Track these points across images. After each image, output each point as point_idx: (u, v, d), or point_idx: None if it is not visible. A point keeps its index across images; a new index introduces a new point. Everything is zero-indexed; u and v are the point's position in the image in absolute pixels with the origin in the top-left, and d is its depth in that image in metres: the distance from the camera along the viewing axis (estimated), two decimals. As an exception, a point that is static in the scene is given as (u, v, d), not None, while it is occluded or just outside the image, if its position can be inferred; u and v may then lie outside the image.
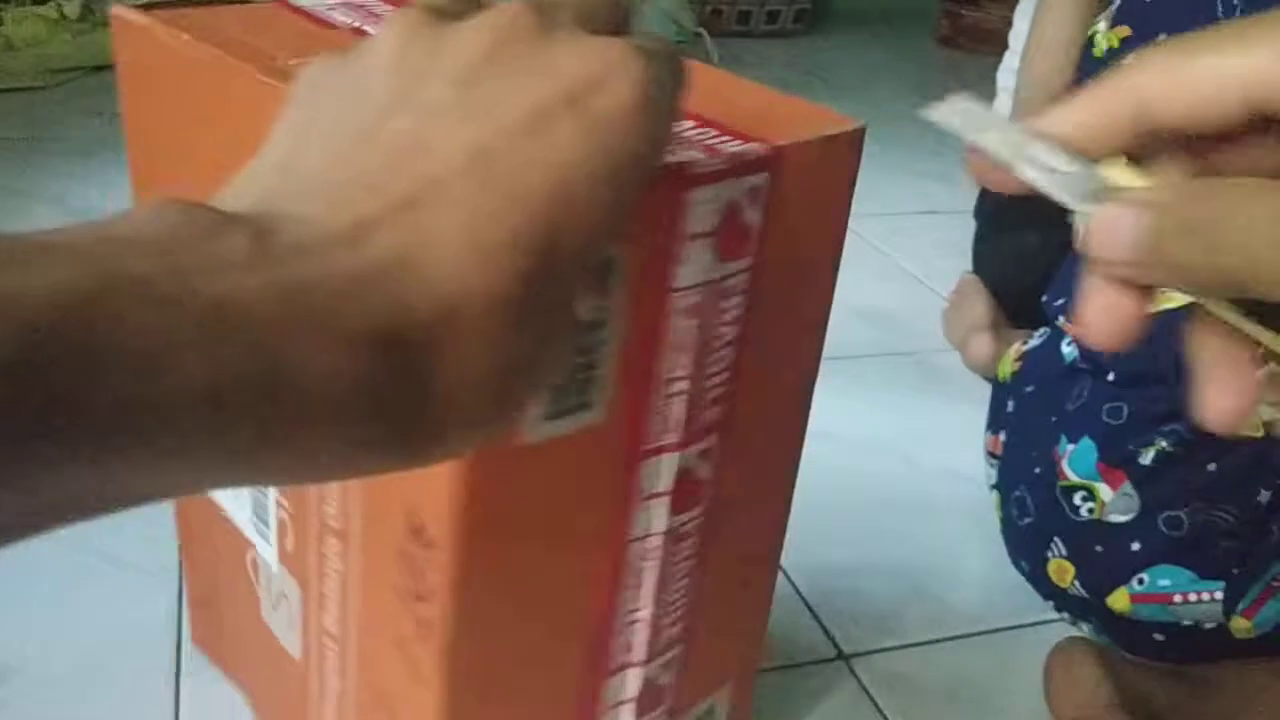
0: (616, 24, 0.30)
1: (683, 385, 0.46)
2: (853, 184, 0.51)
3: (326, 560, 0.53)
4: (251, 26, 0.51)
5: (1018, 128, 0.29)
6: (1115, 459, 0.84)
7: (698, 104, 0.47)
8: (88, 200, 1.41)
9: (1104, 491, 0.84)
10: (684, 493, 0.49)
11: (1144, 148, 0.28)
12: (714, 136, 0.45)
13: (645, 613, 0.51)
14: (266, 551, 0.59)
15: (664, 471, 0.48)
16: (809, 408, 0.55)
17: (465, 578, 0.44)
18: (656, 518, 0.49)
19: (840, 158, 0.49)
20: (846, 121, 0.49)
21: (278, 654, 0.63)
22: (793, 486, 0.58)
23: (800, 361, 0.54)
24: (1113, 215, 0.28)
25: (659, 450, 0.47)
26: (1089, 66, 0.93)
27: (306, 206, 0.24)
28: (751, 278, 0.47)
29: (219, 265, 0.21)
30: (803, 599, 0.89)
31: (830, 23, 2.76)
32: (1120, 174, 0.28)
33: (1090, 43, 0.91)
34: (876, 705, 0.81)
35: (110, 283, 0.19)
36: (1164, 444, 0.80)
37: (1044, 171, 0.28)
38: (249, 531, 0.60)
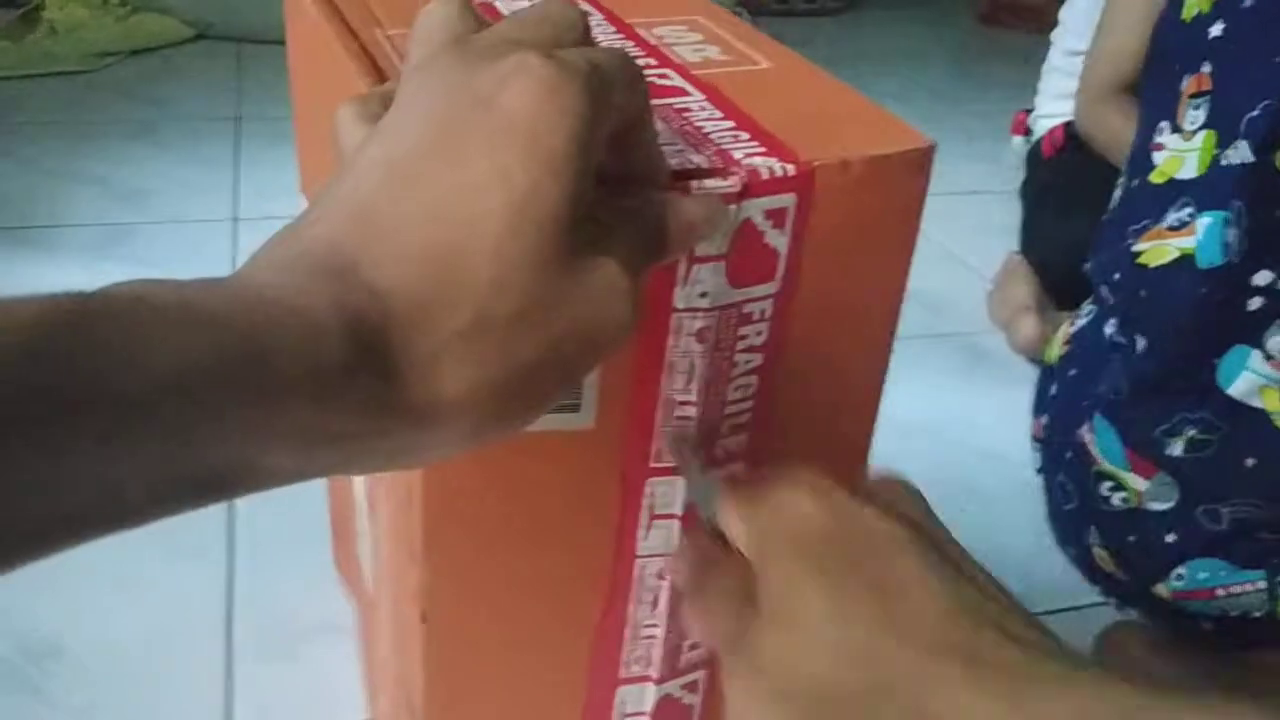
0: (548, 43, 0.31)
1: (690, 410, 0.44)
2: (918, 209, 0.44)
3: (379, 501, 0.53)
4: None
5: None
6: (1143, 447, 0.81)
7: (752, 101, 0.44)
8: (129, 183, 1.42)
9: (1135, 481, 0.82)
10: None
11: None
12: (744, 142, 0.40)
13: (660, 630, 0.50)
14: (359, 487, 0.61)
15: (674, 494, 0.46)
16: (870, 436, 0.50)
17: (434, 542, 0.43)
18: (668, 539, 0.47)
19: (899, 180, 0.43)
20: (915, 138, 0.43)
21: (362, 582, 0.67)
22: None
23: (856, 391, 0.49)
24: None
25: (668, 471, 0.45)
26: (1174, 32, 0.87)
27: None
28: (779, 305, 0.43)
29: (204, 285, 0.25)
30: (846, 583, 0.89)
31: (870, 0, 2.73)
32: None
33: (1179, 4, 0.86)
34: (921, 690, 0.80)
35: (92, 295, 0.22)
36: (1193, 432, 0.78)
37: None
38: None
